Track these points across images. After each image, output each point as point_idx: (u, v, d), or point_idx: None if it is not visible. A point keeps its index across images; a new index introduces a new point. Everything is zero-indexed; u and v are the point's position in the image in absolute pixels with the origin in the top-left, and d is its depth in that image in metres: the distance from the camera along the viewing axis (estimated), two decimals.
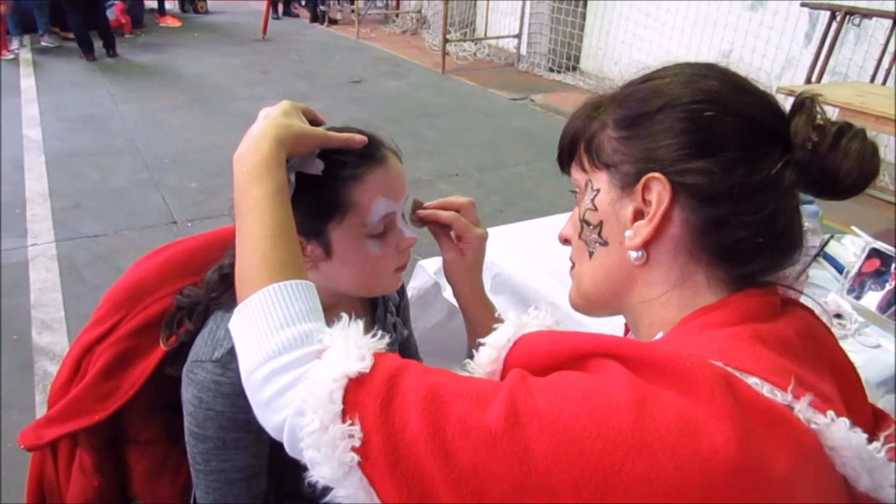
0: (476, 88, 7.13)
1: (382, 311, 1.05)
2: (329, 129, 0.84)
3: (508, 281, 1.63)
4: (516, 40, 8.17)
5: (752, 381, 0.52)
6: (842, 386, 0.61)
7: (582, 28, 7.57)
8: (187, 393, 0.88)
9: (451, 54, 8.27)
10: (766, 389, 0.52)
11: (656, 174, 0.62)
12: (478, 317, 0.99)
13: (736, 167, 0.60)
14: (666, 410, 0.49)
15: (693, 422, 0.48)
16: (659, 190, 0.62)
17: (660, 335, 0.64)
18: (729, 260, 0.64)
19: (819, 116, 0.63)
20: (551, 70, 7.75)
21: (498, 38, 8.54)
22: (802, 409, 0.52)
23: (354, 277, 0.89)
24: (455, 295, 1.01)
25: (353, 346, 0.60)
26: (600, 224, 0.68)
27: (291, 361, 0.61)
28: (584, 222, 0.70)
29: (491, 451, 0.51)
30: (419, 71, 7.83)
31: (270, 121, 0.76)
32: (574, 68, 7.69)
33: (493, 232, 1.86)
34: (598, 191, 0.68)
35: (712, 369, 0.52)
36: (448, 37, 7.92)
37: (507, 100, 6.74)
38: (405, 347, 1.18)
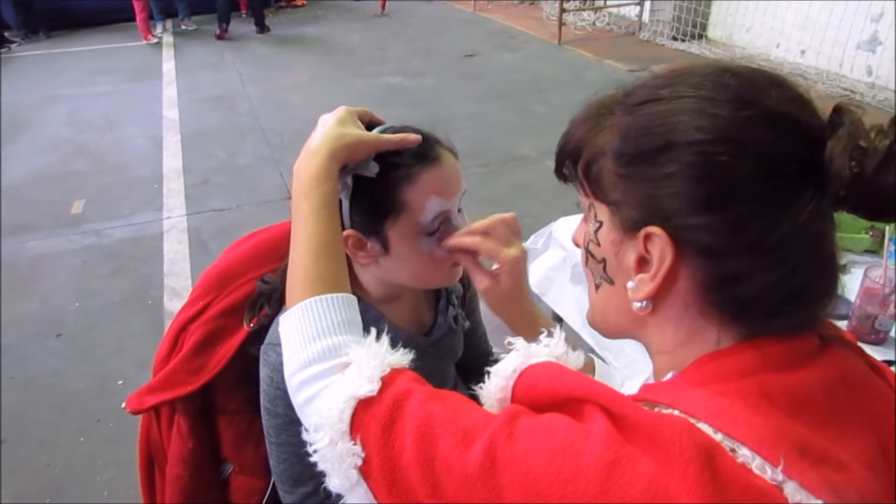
0: (592, 60, 6.92)
1: (445, 302, 1.08)
2: (386, 129, 0.87)
3: None
4: (638, 7, 7.82)
5: (743, 452, 0.48)
6: (886, 440, 0.54)
7: None
8: (262, 372, 0.96)
9: (569, 24, 8.06)
10: (755, 464, 0.47)
11: (657, 230, 0.55)
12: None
13: (751, 221, 0.52)
14: (636, 478, 0.46)
15: (662, 494, 0.46)
16: (661, 247, 0.55)
17: (670, 374, 0.60)
18: (742, 317, 0.56)
19: (862, 135, 0.52)
20: (675, 39, 7.35)
21: (619, 5, 8.22)
22: (791, 491, 0.47)
23: (411, 273, 0.93)
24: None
25: (365, 368, 0.63)
26: (604, 261, 0.63)
27: (320, 373, 0.67)
28: (589, 253, 0.65)
29: (469, 491, 0.53)
30: (534, 43, 7.71)
31: (326, 132, 0.80)
32: (700, 36, 7.26)
33: (576, 220, 1.84)
34: (601, 224, 0.62)
35: (693, 438, 0.48)
36: (565, 6, 7.72)
37: (624, 72, 6.50)
38: (471, 338, 1.20)
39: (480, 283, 0.88)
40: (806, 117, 0.54)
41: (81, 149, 4.93)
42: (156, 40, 8.03)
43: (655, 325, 0.61)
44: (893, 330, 1.32)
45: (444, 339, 1.08)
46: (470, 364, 1.20)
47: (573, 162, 0.64)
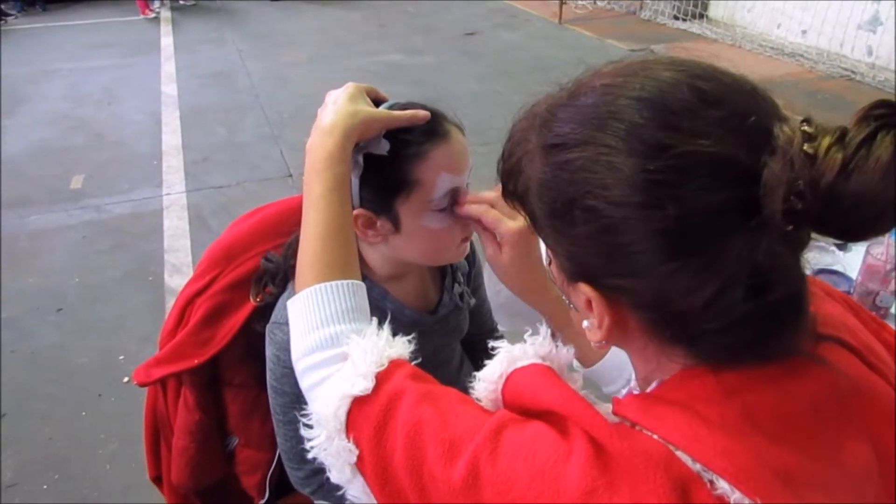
0: (593, 40, 6.87)
1: (451, 280, 1.09)
2: (393, 105, 0.87)
3: None
4: None
5: (721, 484, 0.46)
6: (883, 447, 0.52)
7: None
8: (268, 351, 0.97)
9: (570, 3, 7.98)
10: (734, 498, 0.46)
11: (588, 289, 0.54)
12: (541, 310, 0.87)
13: (677, 282, 0.48)
14: None
15: None
16: (596, 304, 0.54)
17: (655, 384, 0.58)
18: (707, 347, 0.53)
19: (798, 162, 0.43)
20: (676, 18, 7.31)
21: None
22: None
23: (421, 250, 0.93)
24: None
25: (361, 364, 0.64)
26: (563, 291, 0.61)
27: (321, 361, 0.68)
28: (551, 277, 0.63)
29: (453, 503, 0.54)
30: (535, 22, 7.65)
31: (338, 110, 0.79)
32: (701, 16, 7.21)
33: None
34: (550, 260, 0.60)
35: (670, 473, 0.46)
36: None
37: (625, 52, 6.45)
38: (477, 314, 1.21)
39: (486, 250, 0.85)
40: (730, 149, 0.46)
41: (80, 123, 4.90)
42: (153, 15, 7.94)
43: (626, 352, 0.61)
44: (894, 307, 1.33)
45: (450, 317, 1.09)
46: (476, 340, 1.21)
47: (514, 184, 0.59)
